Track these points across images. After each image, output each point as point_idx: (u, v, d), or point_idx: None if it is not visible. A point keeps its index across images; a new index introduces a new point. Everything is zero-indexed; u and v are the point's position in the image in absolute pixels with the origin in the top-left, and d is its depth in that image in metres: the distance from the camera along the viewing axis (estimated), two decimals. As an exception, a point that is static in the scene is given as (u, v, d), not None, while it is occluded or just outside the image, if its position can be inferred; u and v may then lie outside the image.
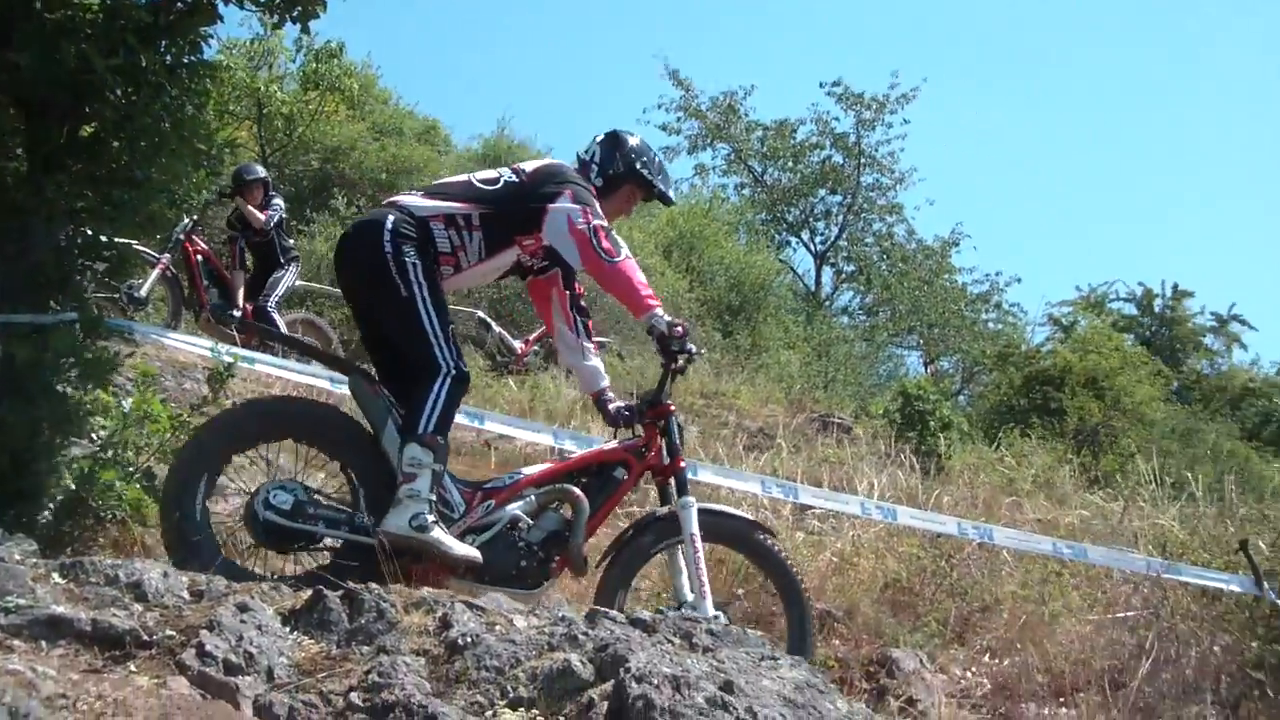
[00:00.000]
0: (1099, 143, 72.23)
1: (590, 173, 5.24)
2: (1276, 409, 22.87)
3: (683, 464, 5.11)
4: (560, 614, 3.32)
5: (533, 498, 5.01)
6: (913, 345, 26.06)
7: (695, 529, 4.92)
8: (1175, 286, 31.25)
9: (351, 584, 3.48)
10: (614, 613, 3.37)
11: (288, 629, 3.11)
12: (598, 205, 4.96)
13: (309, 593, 3.27)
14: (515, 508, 4.97)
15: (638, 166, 5.25)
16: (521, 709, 2.80)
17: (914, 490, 8.88)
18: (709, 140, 27.34)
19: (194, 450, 4.83)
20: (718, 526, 5.15)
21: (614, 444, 5.30)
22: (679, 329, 4.86)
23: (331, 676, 2.84)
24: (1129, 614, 6.96)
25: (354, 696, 2.70)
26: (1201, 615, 6.94)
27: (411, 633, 3.10)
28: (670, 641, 3.22)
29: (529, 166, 5.22)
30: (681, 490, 5.02)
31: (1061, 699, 6.39)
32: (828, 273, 27.10)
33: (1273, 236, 65.38)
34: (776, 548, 5.22)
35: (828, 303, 25.83)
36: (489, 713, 2.77)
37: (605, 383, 5.56)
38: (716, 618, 4.62)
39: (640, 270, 4.95)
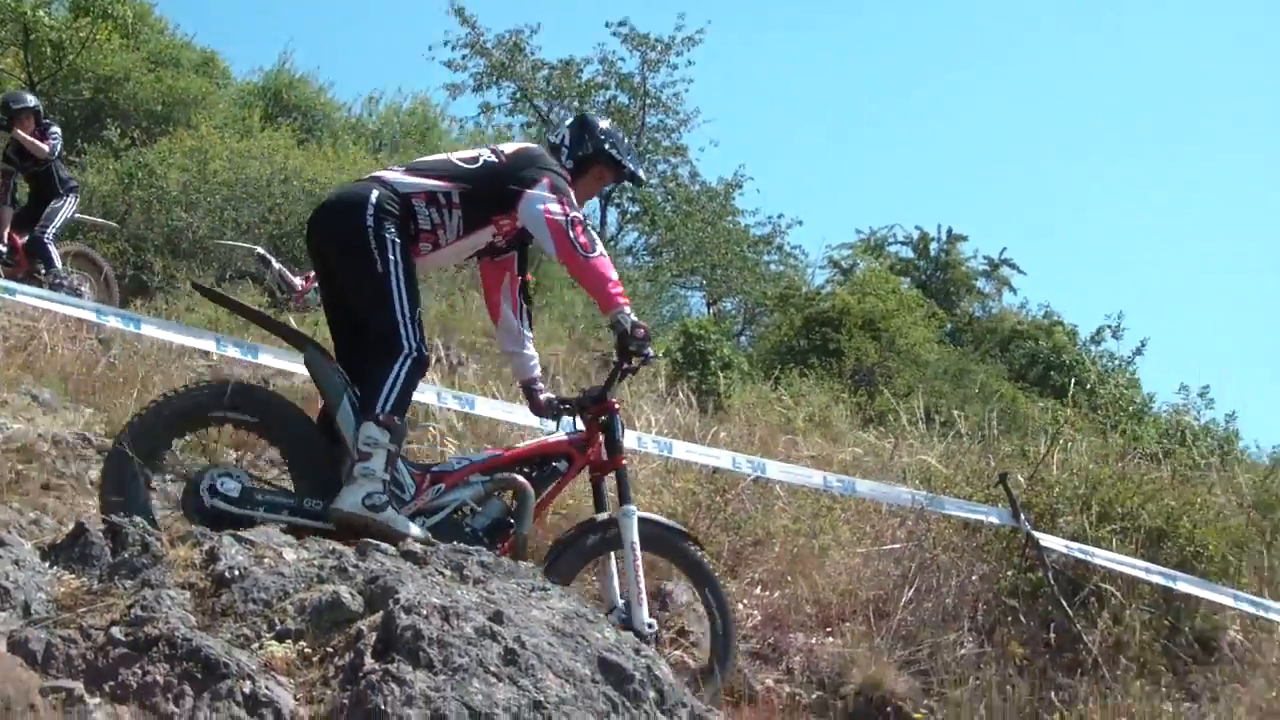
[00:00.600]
0: (878, 87, 74.02)
1: (561, 155, 5.29)
2: (1042, 351, 23.80)
3: (624, 462, 5.21)
4: (330, 547, 3.32)
5: (479, 485, 5.06)
6: (696, 286, 26.32)
7: (635, 538, 5.00)
8: (950, 231, 32.26)
9: (115, 517, 3.41)
10: (385, 545, 3.38)
11: (47, 564, 3.03)
12: (573, 194, 5.02)
13: (71, 526, 3.20)
14: (463, 493, 5.04)
15: (606, 147, 5.33)
16: (289, 641, 2.79)
17: (692, 427, 9.08)
18: (494, 78, 27.13)
19: (136, 432, 4.74)
20: (651, 536, 5.18)
21: (559, 436, 5.36)
22: (641, 330, 4.90)
23: (92, 611, 2.78)
24: (894, 546, 7.29)
25: (115, 631, 2.64)
26: (962, 546, 7.33)
27: (177, 566, 3.06)
28: (441, 573, 3.24)
29: (508, 149, 5.26)
30: (624, 498, 5.11)
31: (828, 629, 6.68)
32: (613, 213, 27.18)
33: (1041, 181, 68.17)
34: (704, 558, 5.34)
35: (613, 243, 25.92)
36: (255, 645, 2.75)
37: (537, 372, 5.63)
38: (651, 626, 4.94)
39: (612, 267, 4.98)
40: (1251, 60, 77.04)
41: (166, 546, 3.14)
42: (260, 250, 12.85)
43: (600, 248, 4.93)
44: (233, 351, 7.30)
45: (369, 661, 2.65)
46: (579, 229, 4.88)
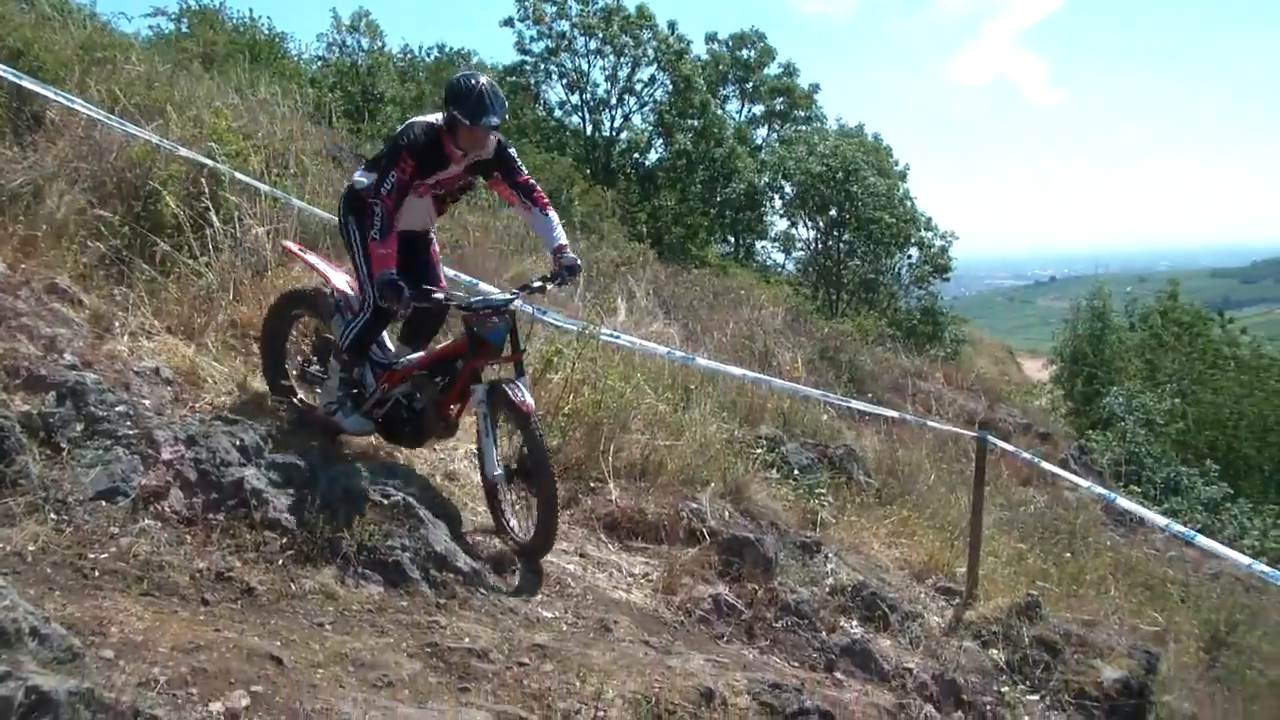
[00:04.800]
0: None
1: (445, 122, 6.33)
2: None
3: (476, 364, 6.43)
4: None
5: (409, 383, 6.69)
6: None
7: (480, 409, 6.42)
8: None
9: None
10: None
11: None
12: (389, 176, 6.20)
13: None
14: (400, 389, 6.74)
15: (451, 111, 6.21)
16: None
17: None
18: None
19: (272, 319, 7.15)
20: (499, 399, 6.34)
21: (457, 340, 6.69)
22: (383, 286, 6.08)
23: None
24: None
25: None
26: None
27: None
28: None
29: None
30: (474, 380, 6.46)
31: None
32: None
33: None
34: (534, 421, 6.20)
35: None
36: None
37: (560, 240, 6.70)
38: (495, 474, 6.44)
39: (383, 247, 6.14)
40: None
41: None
42: None
43: (374, 234, 6.15)
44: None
45: None
46: (353, 222, 6.53)
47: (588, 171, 36.05)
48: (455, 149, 6.35)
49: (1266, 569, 8.15)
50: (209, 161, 9.19)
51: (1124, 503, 10.61)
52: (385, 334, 6.94)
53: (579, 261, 6.67)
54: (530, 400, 6.21)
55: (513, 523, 6.46)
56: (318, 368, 7.22)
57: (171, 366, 6.86)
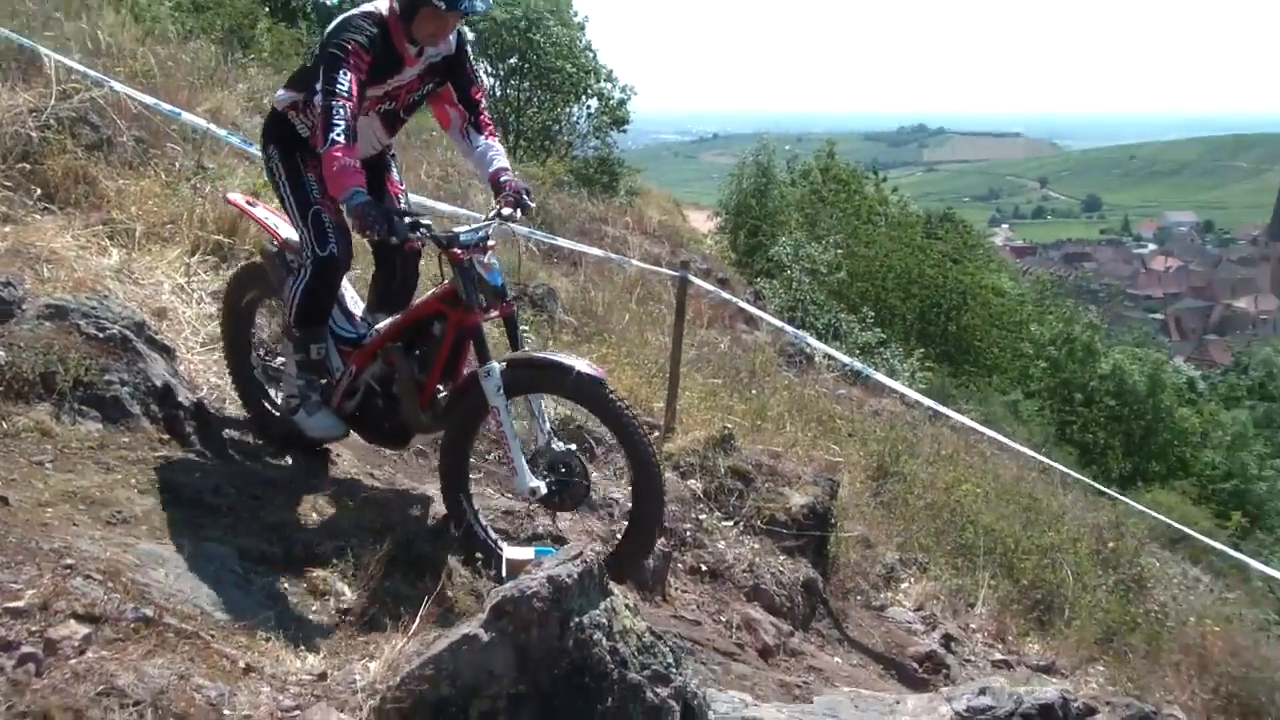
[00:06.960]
0: None
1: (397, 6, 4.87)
2: None
3: (477, 320, 4.86)
4: None
5: (381, 362, 5.10)
6: None
7: (497, 400, 4.75)
8: None
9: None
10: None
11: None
12: (340, 73, 4.67)
13: None
14: (370, 371, 5.17)
15: None
16: None
17: None
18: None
19: (226, 313, 5.93)
20: (537, 380, 4.90)
21: (434, 293, 5.01)
22: (359, 214, 4.52)
23: None
24: None
25: None
26: None
27: None
28: None
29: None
30: (481, 357, 4.81)
31: None
32: None
33: None
34: (611, 395, 4.77)
35: None
36: None
37: (501, 163, 5.28)
38: (535, 490, 4.84)
39: (349, 154, 4.59)
40: None
41: None
42: None
43: (334, 136, 4.59)
44: None
45: None
46: (320, 122, 4.67)
47: (267, 10, 34.65)
48: (407, 45, 4.99)
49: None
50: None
51: (818, 344, 11.31)
52: (349, 299, 5.58)
53: (527, 185, 5.37)
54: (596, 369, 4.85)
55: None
56: (280, 359, 5.90)
57: None
